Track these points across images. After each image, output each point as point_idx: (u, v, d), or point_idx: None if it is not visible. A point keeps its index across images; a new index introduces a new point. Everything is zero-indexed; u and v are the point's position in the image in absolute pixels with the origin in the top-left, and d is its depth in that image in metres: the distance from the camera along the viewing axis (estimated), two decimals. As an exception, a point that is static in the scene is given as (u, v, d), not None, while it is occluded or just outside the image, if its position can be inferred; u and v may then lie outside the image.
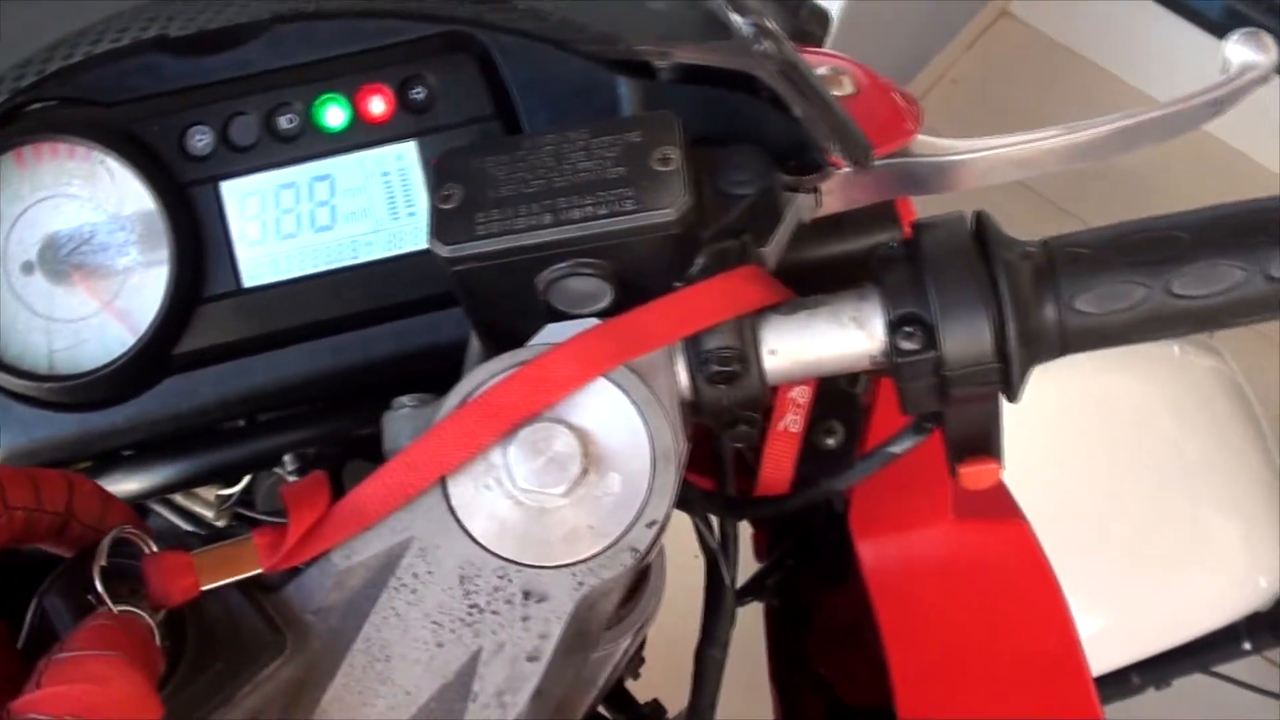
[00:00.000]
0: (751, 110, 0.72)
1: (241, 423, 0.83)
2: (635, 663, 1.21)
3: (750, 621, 1.14)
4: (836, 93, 0.74)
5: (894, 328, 0.65)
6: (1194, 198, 0.70)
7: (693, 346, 0.66)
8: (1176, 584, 2.00)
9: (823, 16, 1.03)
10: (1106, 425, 2.09)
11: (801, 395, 0.87)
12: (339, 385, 0.81)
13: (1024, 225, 0.69)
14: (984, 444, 0.69)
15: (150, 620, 0.56)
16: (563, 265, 0.66)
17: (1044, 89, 3.52)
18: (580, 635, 0.62)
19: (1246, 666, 2.24)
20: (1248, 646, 2.12)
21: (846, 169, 0.73)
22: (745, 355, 0.65)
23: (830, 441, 0.90)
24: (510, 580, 0.60)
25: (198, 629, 0.59)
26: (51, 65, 0.74)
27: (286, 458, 0.82)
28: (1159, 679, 2.16)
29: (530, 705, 0.59)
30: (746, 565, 1.03)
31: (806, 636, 1.16)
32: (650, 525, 0.61)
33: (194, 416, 0.80)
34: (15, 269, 0.78)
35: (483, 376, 0.63)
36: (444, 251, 0.65)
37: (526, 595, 0.60)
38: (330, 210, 0.80)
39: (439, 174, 0.68)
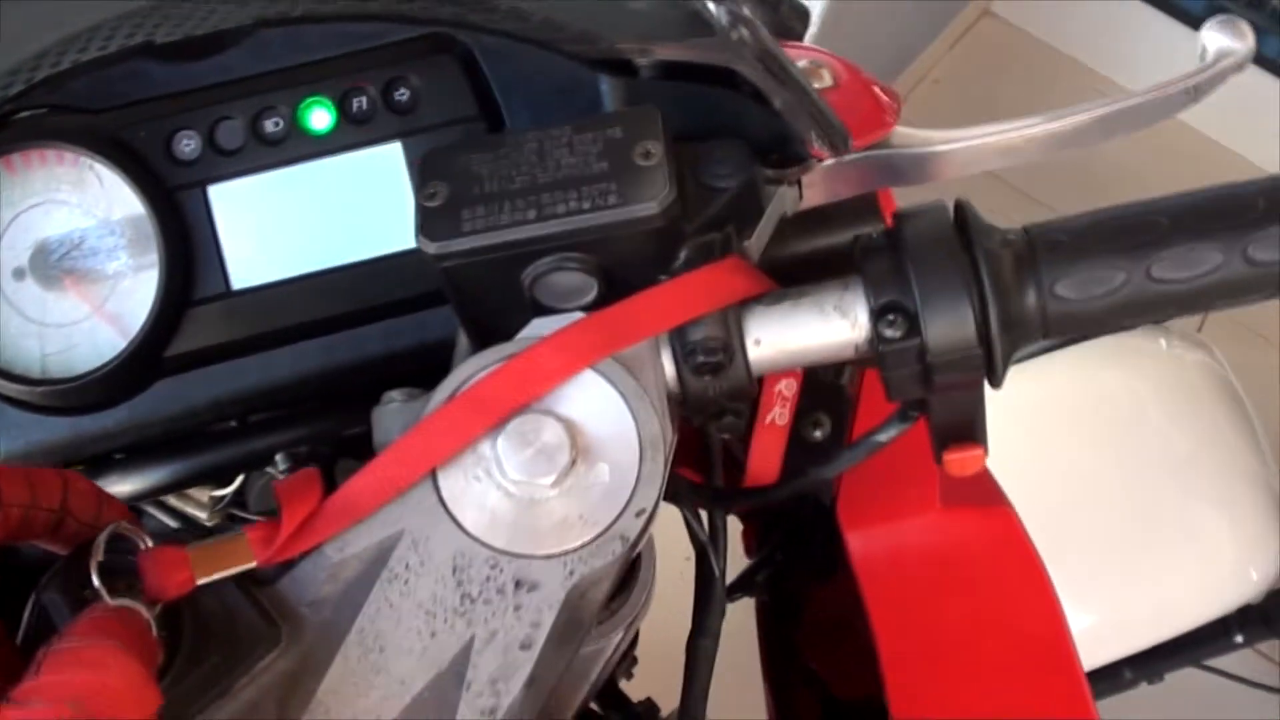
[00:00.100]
0: (733, 105, 0.72)
1: (233, 424, 0.84)
2: (628, 662, 1.22)
3: (743, 619, 1.14)
4: (816, 85, 0.75)
5: (877, 316, 0.65)
6: (1164, 186, 0.70)
7: (678, 338, 0.66)
8: (1167, 577, 2.01)
9: (802, 12, 1.04)
10: (1096, 420, 2.10)
11: (788, 388, 0.88)
12: (329, 385, 0.81)
13: (995, 216, 0.69)
14: (968, 430, 0.70)
15: (147, 614, 0.56)
16: (548, 260, 0.66)
17: (1027, 88, 3.54)
18: (572, 623, 0.62)
19: (1237, 660, 2.24)
20: (1239, 639, 2.13)
21: (828, 161, 0.73)
22: (730, 345, 0.66)
23: (817, 434, 0.91)
24: (501, 570, 0.61)
25: (193, 623, 0.59)
26: (39, 73, 0.74)
27: (278, 457, 0.82)
28: (1151, 673, 2.16)
29: (524, 693, 0.59)
30: (736, 562, 1.04)
31: (796, 631, 1.17)
32: (639, 514, 0.62)
33: (185, 418, 0.81)
34: (7, 275, 0.78)
35: (471, 370, 0.64)
36: (431, 248, 0.66)
37: (518, 584, 0.60)
38: (317, 212, 0.80)
39: (424, 172, 0.68)
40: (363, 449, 0.68)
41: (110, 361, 0.78)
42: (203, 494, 0.90)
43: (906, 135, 0.76)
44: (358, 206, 0.80)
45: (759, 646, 1.23)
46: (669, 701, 1.39)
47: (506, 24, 0.72)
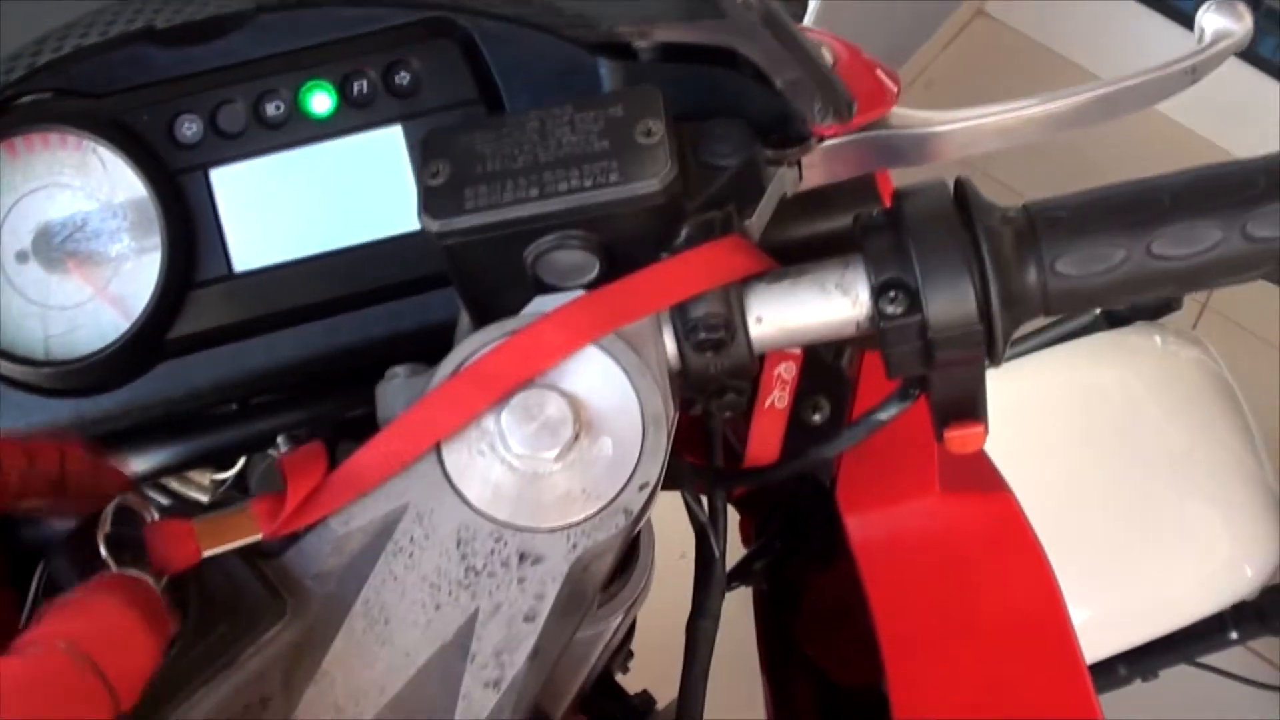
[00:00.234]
0: (733, 85, 0.73)
1: (234, 406, 0.84)
2: (624, 656, 1.22)
3: (739, 611, 1.15)
4: (817, 62, 0.75)
5: (878, 293, 0.66)
6: (1139, 173, 0.71)
7: (680, 315, 0.67)
8: (1162, 573, 2.01)
9: (800, -3, 1.04)
10: (1090, 416, 2.11)
11: (787, 371, 0.88)
12: (331, 367, 0.82)
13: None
14: (969, 408, 0.70)
15: (154, 584, 0.57)
16: (550, 238, 0.67)
17: (1021, 88, 3.52)
18: (575, 596, 0.63)
19: (1231, 657, 2.25)
20: (1234, 635, 2.13)
21: (829, 141, 0.74)
22: (731, 322, 0.66)
23: (816, 417, 0.91)
24: (506, 543, 0.61)
25: (199, 595, 0.59)
26: (41, 58, 0.75)
27: (280, 440, 0.83)
28: (1146, 670, 2.17)
29: (528, 665, 0.60)
30: (734, 553, 1.04)
31: (794, 619, 1.17)
32: (642, 488, 0.62)
33: (187, 400, 0.81)
34: (10, 258, 0.79)
35: (475, 345, 0.64)
36: (434, 226, 0.66)
37: (522, 557, 0.61)
38: (318, 195, 0.80)
39: (426, 151, 0.69)
40: (365, 431, 0.68)
41: (113, 343, 0.78)
42: (204, 477, 0.90)
43: (905, 116, 0.76)
44: (358, 189, 0.80)
45: (756, 635, 1.23)
46: (664, 695, 1.40)
47: (506, 8, 0.72)
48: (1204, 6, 0.78)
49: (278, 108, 0.80)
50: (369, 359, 0.80)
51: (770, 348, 0.69)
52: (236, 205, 0.80)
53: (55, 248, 0.79)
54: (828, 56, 0.76)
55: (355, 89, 0.81)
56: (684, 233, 0.68)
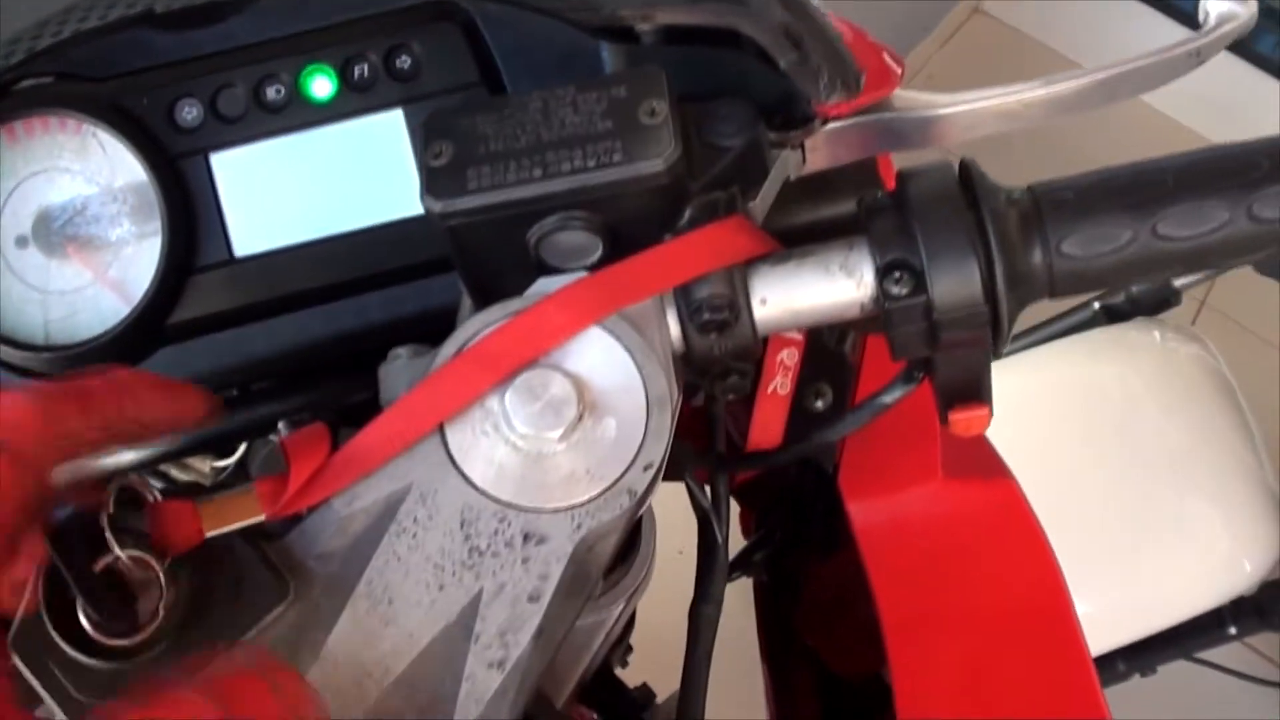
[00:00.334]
0: (736, 66, 0.73)
1: (235, 392, 0.84)
2: (624, 650, 1.22)
3: (740, 607, 1.15)
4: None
5: (883, 274, 0.65)
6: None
7: (683, 296, 0.66)
8: (1161, 568, 2.02)
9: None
10: (1089, 412, 2.11)
11: (789, 357, 0.88)
12: (332, 352, 0.81)
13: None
14: (974, 390, 0.70)
15: (156, 566, 0.56)
16: (553, 219, 0.66)
17: (1019, 86, 3.54)
18: (579, 577, 0.62)
19: (1226, 654, 2.25)
20: (1233, 631, 2.14)
21: (833, 124, 0.73)
22: (735, 303, 0.66)
23: (819, 404, 0.91)
24: (509, 523, 0.61)
25: (202, 575, 0.59)
26: (41, 42, 0.75)
27: (281, 425, 0.82)
28: (1144, 665, 2.17)
29: (532, 645, 0.60)
30: (734, 546, 1.04)
31: (795, 610, 1.17)
32: (647, 468, 0.62)
33: None
34: (10, 243, 0.78)
35: (478, 325, 0.64)
36: (436, 207, 0.66)
37: (526, 538, 0.61)
38: (319, 179, 0.80)
39: (428, 132, 0.68)
40: (366, 416, 0.68)
41: (113, 328, 0.78)
42: (204, 464, 0.90)
43: (908, 99, 0.76)
44: (359, 174, 0.80)
45: (757, 625, 1.23)
46: (663, 690, 1.40)
47: (508, -9, 0.72)
48: None
49: (278, 92, 0.80)
50: (370, 344, 0.79)
51: (774, 329, 0.68)
52: (237, 190, 0.80)
53: (55, 232, 0.79)
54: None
55: (356, 73, 0.80)
56: (687, 214, 0.67)
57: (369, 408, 0.69)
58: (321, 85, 0.80)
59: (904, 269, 0.65)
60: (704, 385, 0.72)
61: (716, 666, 0.86)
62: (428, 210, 0.66)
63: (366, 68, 0.80)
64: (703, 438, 0.90)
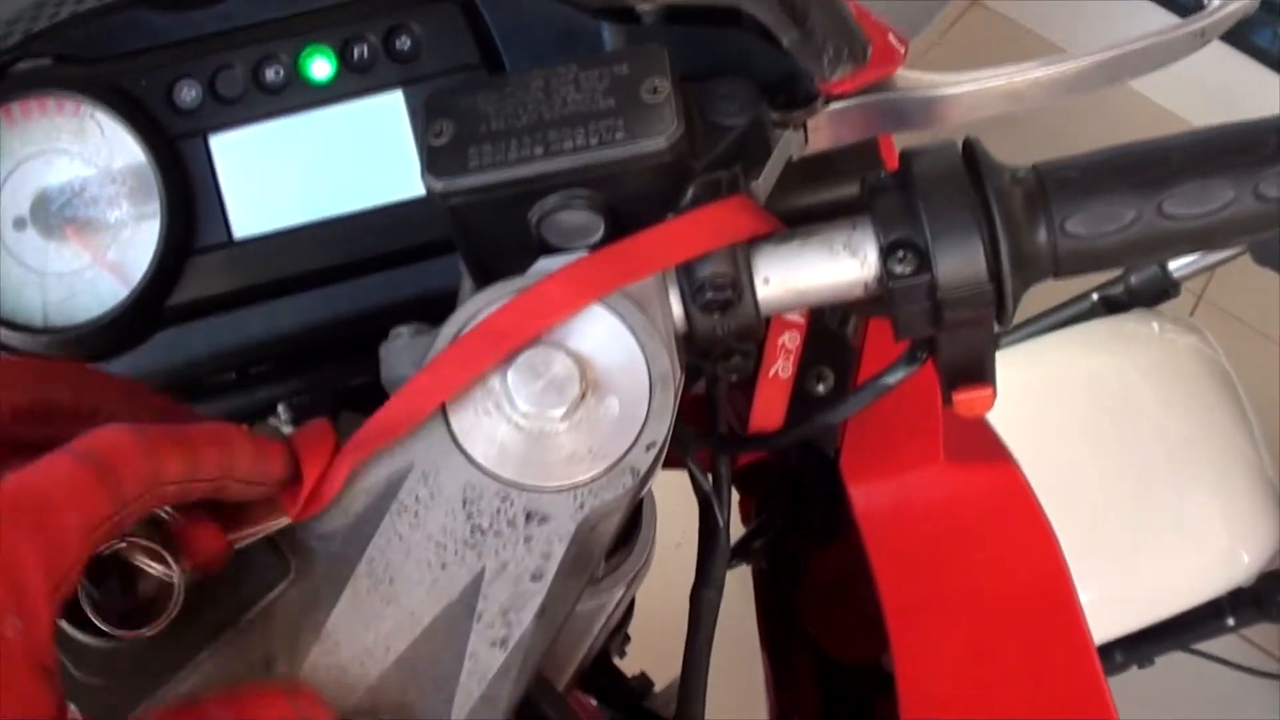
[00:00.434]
0: (738, 45, 0.72)
1: (233, 375, 0.83)
2: (623, 640, 1.22)
3: (738, 598, 1.14)
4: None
5: (887, 253, 0.65)
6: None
7: (686, 275, 0.66)
8: (1159, 559, 2.01)
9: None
10: (1088, 403, 2.11)
11: (791, 341, 0.88)
12: (331, 335, 0.81)
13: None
14: (978, 370, 0.70)
15: (176, 570, 0.56)
16: (555, 197, 0.66)
17: (1016, 78, 3.54)
18: (582, 557, 0.62)
19: (1224, 646, 2.25)
20: (1231, 622, 2.13)
21: (835, 104, 0.73)
22: (739, 282, 0.66)
23: (820, 387, 0.91)
24: (512, 502, 0.60)
25: None
26: (39, 23, 0.74)
27: (280, 408, 0.82)
28: (1142, 656, 2.17)
29: (535, 624, 0.59)
30: (734, 535, 1.04)
31: (795, 596, 1.17)
32: (649, 448, 0.62)
33: (187, 369, 0.80)
34: (8, 225, 0.78)
35: (481, 303, 0.64)
36: (438, 186, 0.65)
37: (529, 517, 0.60)
38: (318, 161, 0.80)
39: (429, 111, 0.68)
40: (366, 399, 0.67)
41: (112, 310, 0.78)
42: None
43: (911, 79, 0.75)
44: (359, 155, 0.80)
45: (757, 613, 1.23)
46: (661, 680, 1.40)
47: (509, -29, 0.72)
48: None
49: (277, 73, 0.80)
50: (369, 327, 0.79)
51: (777, 309, 0.68)
52: (236, 171, 0.80)
53: (53, 214, 0.78)
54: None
55: (355, 54, 0.80)
56: (690, 193, 0.67)
57: (369, 391, 0.69)
58: (321, 66, 0.80)
59: (908, 248, 0.65)
60: (706, 366, 0.72)
61: (716, 655, 0.85)
62: (429, 189, 0.66)
63: (366, 49, 0.80)
64: (704, 424, 0.90)
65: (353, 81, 0.80)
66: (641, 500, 0.90)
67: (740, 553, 1.14)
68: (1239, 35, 3.39)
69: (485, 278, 0.70)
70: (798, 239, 0.68)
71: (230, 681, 0.57)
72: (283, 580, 0.59)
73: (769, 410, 0.88)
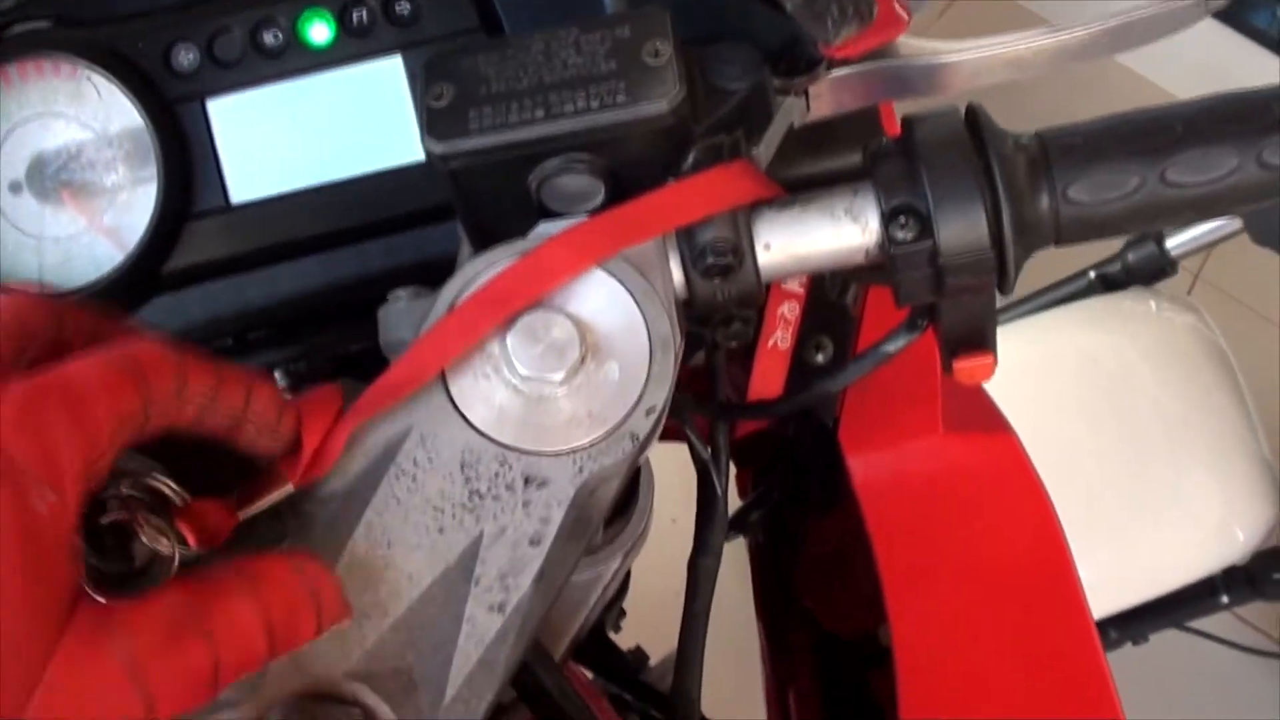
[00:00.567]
0: (740, 8, 0.72)
1: (230, 341, 0.83)
2: (618, 614, 1.22)
3: (734, 571, 1.14)
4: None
5: (888, 219, 0.65)
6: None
7: (687, 241, 0.65)
8: (1154, 537, 2.02)
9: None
10: (1084, 381, 2.11)
11: (790, 311, 0.87)
12: (329, 301, 0.81)
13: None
14: (979, 338, 0.69)
15: (176, 547, 0.56)
16: (555, 161, 0.65)
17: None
18: (581, 522, 0.62)
19: (1216, 624, 2.25)
20: (1225, 600, 2.14)
21: (837, 71, 0.73)
22: (739, 248, 0.65)
23: (820, 357, 0.90)
24: (510, 467, 0.60)
25: None
26: (37, -14, 0.74)
27: (277, 374, 0.82)
28: (1136, 633, 2.17)
29: (533, 588, 0.59)
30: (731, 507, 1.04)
31: (792, 568, 1.17)
32: (649, 413, 0.61)
33: (184, 335, 0.80)
34: (4, 188, 0.78)
35: (480, 267, 0.63)
36: (438, 149, 0.65)
37: (527, 481, 0.60)
38: (317, 126, 0.80)
39: (429, 74, 0.67)
40: (364, 365, 0.67)
41: (108, 275, 0.77)
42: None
43: (914, 46, 0.75)
44: (357, 120, 0.80)
45: (753, 586, 1.23)
46: (655, 655, 1.40)
47: (510, -65, 0.71)
48: None
49: (276, 37, 0.79)
50: (367, 293, 0.78)
51: (778, 275, 0.68)
52: (234, 136, 0.79)
53: (49, 178, 0.78)
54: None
55: (354, 18, 0.80)
56: (691, 157, 0.67)
57: (367, 357, 0.69)
58: (319, 30, 0.80)
59: (910, 214, 0.64)
60: (706, 333, 0.71)
61: (712, 629, 0.85)
62: (428, 152, 0.65)
63: (365, 13, 0.80)
64: (703, 396, 0.89)
65: (351, 46, 0.79)
66: (639, 470, 0.89)
67: (737, 525, 1.14)
68: (1237, 17, 3.38)
69: (484, 243, 0.70)
70: (799, 204, 0.67)
71: None
72: (280, 543, 0.59)
73: (768, 381, 0.88)
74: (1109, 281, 2.26)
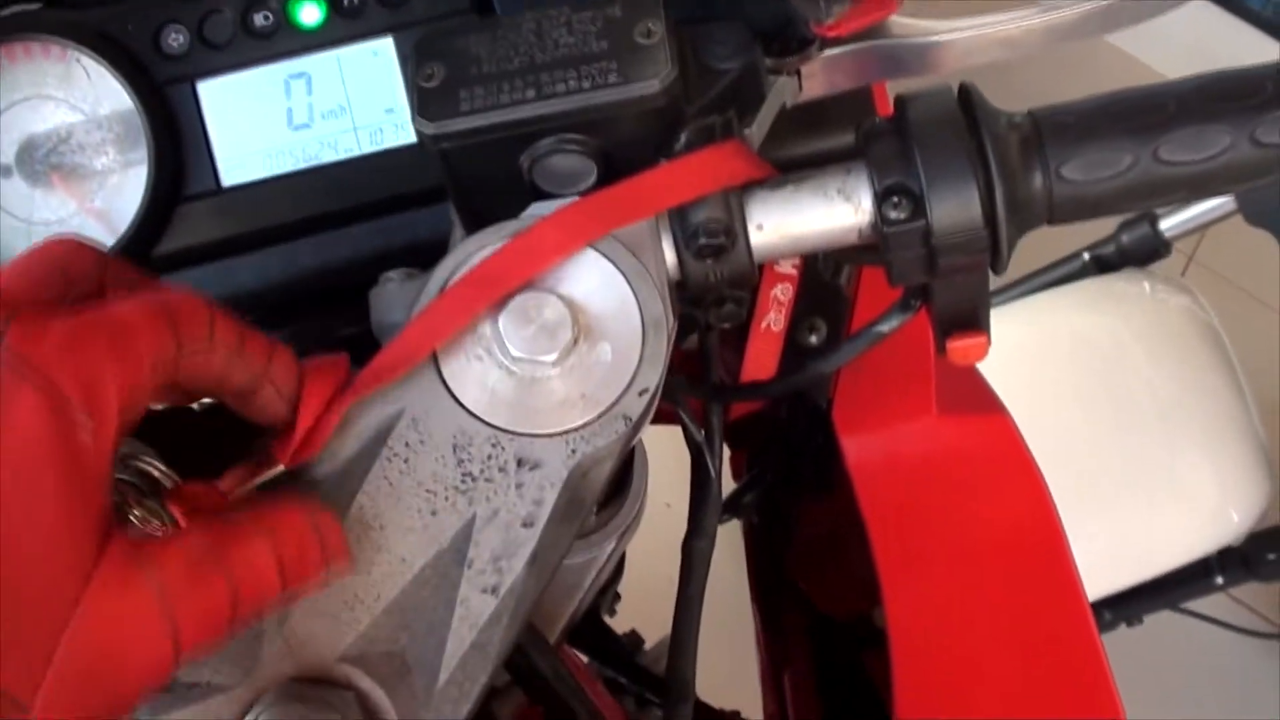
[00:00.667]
0: None
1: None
2: (613, 598, 1.22)
3: (729, 554, 1.15)
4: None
5: (881, 198, 0.64)
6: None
7: (679, 221, 0.65)
8: (1149, 518, 2.02)
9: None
10: (1078, 363, 2.10)
11: (783, 293, 0.87)
12: (320, 284, 0.81)
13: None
14: (972, 318, 0.69)
15: (168, 525, 0.56)
16: (547, 141, 0.65)
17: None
18: (574, 503, 0.62)
19: (1210, 604, 2.26)
20: (1220, 581, 2.15)
21: (829, 51, 0.72)
22: (732, 228, 0.65)
23: (813, 339, 0.90)
24: (503, 448, 0.60)
25: None
26: (26, -32, 0.73)
27: (271, 357, 0.81)
28: (1131, 615, 2.18)
29: (526, 571, 0.59)
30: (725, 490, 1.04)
31: (786, 551, 1.17)
32: (642, 394, 0.61)
33: None
34: (-7, 172, 0.78)
35: (472, 248, 0.63)
36: (428, 129, 0.65)
37: (520, 463, 0.60)
38: (308, 108, 0.79)
39: (420, 54, 0.67)
40: (356, 348, 0.67)
41: (98, 259, 0.77)
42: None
43: (906, 25, 0.75)
44: (349, 102, 0.79)
45: (747, 569, 1.23)
46: (650, 639, 1.40)
47: (501, -84, 0.71)
48: None
49: (266, 18, 0.79)
50: (359, 276, 0.78)
51: (771, 255, 0.67)
52: (224, 118, 0.79)
53: (39, 161, 0.78)
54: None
55: None
56: (683, 138, 0.66)
57: (358, 341, 0.68)
58: (310, 12, 0.79)
59: (903, 193, 0.64)
60: (699, 315, 0.71)
61: (706, 612, 0.85)
62: (419, 133, 0.65)
63: None
64: (697, 378, 0.89)
65: (342, 27, 0.79)
66: (633, 452, 0.89)
67: (731, 507, 1.14)
68: (1231, -1, 3.38)
69: (476, 224, 0.69)
70: (791, 185, 0.67)
71: None
72: None
73: (761, 363, 0.88)
74: (1103, 263, 2.26)
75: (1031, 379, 2.08)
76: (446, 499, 0.60)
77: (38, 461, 0.45)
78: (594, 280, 0.63)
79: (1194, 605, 2.25)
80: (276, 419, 0.59)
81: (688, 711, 0.82)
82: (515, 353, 0.61)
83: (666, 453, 0.97)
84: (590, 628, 1.22)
